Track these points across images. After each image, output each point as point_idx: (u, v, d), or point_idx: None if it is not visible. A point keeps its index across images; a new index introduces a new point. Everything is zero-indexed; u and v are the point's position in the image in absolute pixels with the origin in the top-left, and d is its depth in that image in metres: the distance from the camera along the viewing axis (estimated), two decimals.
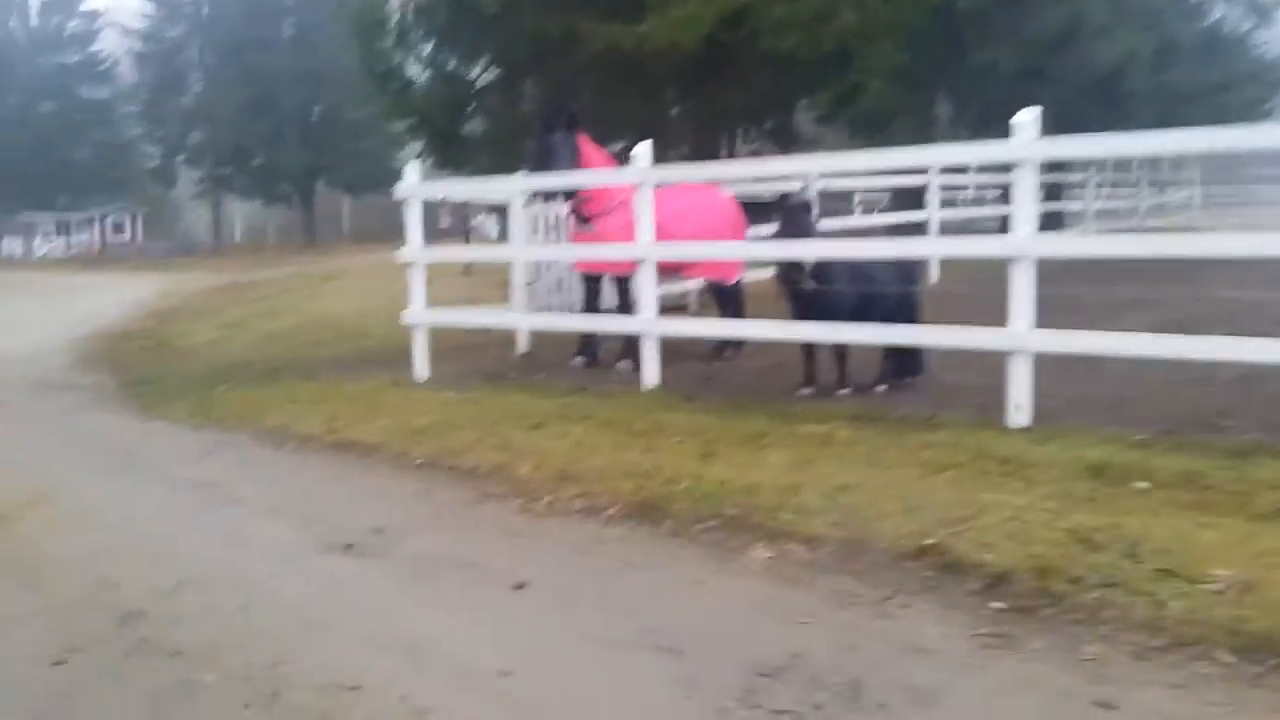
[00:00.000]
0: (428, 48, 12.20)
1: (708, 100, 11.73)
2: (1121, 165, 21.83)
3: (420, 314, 7.86)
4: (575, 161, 7.73)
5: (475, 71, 11.28)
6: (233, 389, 8.30)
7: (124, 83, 47.12)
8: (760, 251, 6.82)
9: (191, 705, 2.93)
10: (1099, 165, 20.35)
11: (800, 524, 4.04)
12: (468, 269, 15.09)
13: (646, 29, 9.44)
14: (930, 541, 3.68)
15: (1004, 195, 20.82)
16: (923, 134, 15.30)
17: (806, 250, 6.11)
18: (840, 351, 6.67)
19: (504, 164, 11.04)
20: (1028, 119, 5.28)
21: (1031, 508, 3.99)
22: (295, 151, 38.94)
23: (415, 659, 3.16)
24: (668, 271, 8.80)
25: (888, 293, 6.64)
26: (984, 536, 3.71)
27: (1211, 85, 19.53)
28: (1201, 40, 20.92)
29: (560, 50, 10.50)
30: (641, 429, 5.71)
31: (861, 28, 10.32)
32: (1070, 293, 9.20)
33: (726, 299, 8.93)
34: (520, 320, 8.70)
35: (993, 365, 6.95)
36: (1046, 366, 6.68)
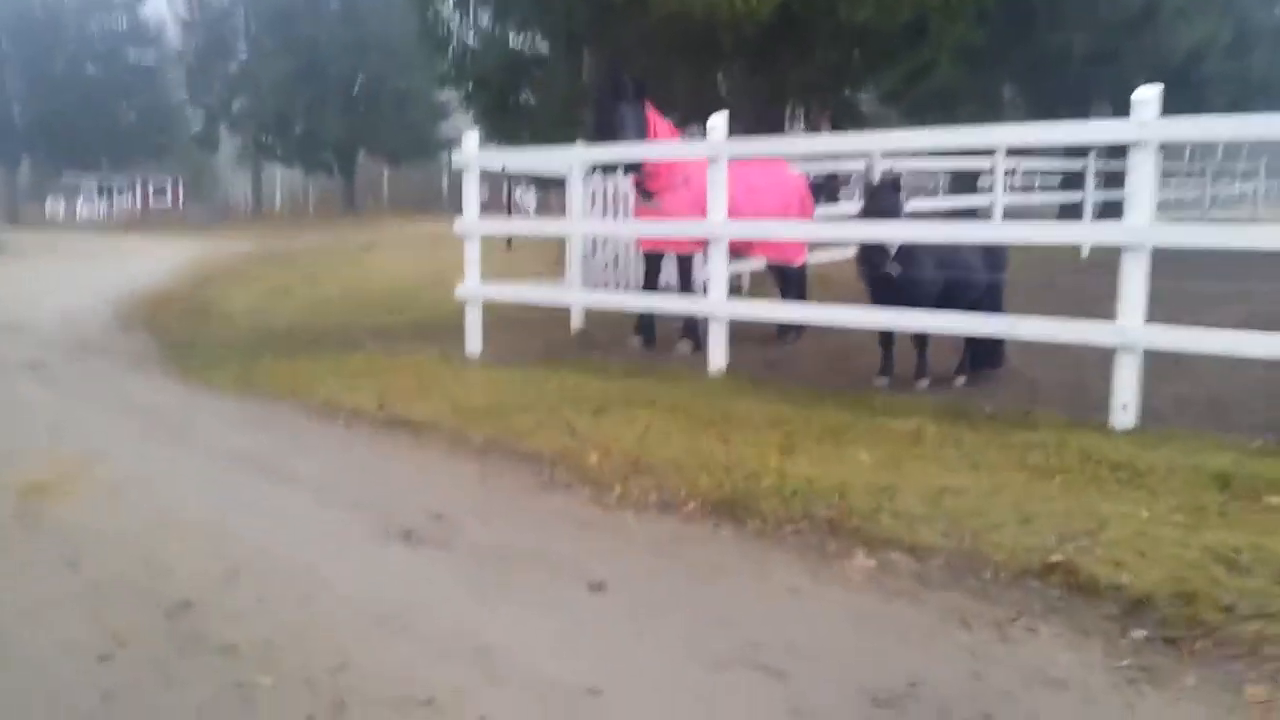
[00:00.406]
0: (486, 13, 11.82)
1: (773, 75, 11.30)
2: (1190, 154, 21.19)
3: (475, 288, 7.55)
4: (642, 133, 7.38)
5: (533, 38, 10.87)
6: (277, 357, 8.05)
7: (170, 48, 47.12)
8: (846, 233, 6.42)
9: (250, 713, 2.64)
10: (1167, 153, 19.74)
11: (903, 530, 3.69)
12: (509, 243, 14.79)
13: None
14: (1056, 558, 3.32)
15: (1065, 181, 20.34)
16: (988, 116, 14.73)
17: (895, 232, 5.72)
18: (921, 341, 6.31)
19: (559, 135, 10.68)
20: (1149, 96, 4.87)
21: (1159, 521, 3.63)
22: (337, 120, 38.76)
23: (489, 668, 2.85)
24: (731, 251, 8.45)
25: (974, 280, 6.26)
26: (1114, 553, 3.35)
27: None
28: (1275, 29, 20.14)
29: (622, 17, 10.10)
30: (712, 417, 5.38)
31: (942, 0, 9.87)
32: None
33: (790, 281, 8.58)
34: (580, 297, 8.34)
35: (1077, 360, 6.64)
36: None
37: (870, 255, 5.89)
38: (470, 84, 12.46)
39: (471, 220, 7.48)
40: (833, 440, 4.89)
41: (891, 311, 5.77)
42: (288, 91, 38.10)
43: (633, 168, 7.58)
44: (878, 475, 4.26)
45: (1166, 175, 21.07)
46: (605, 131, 7.39)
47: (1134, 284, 4.87)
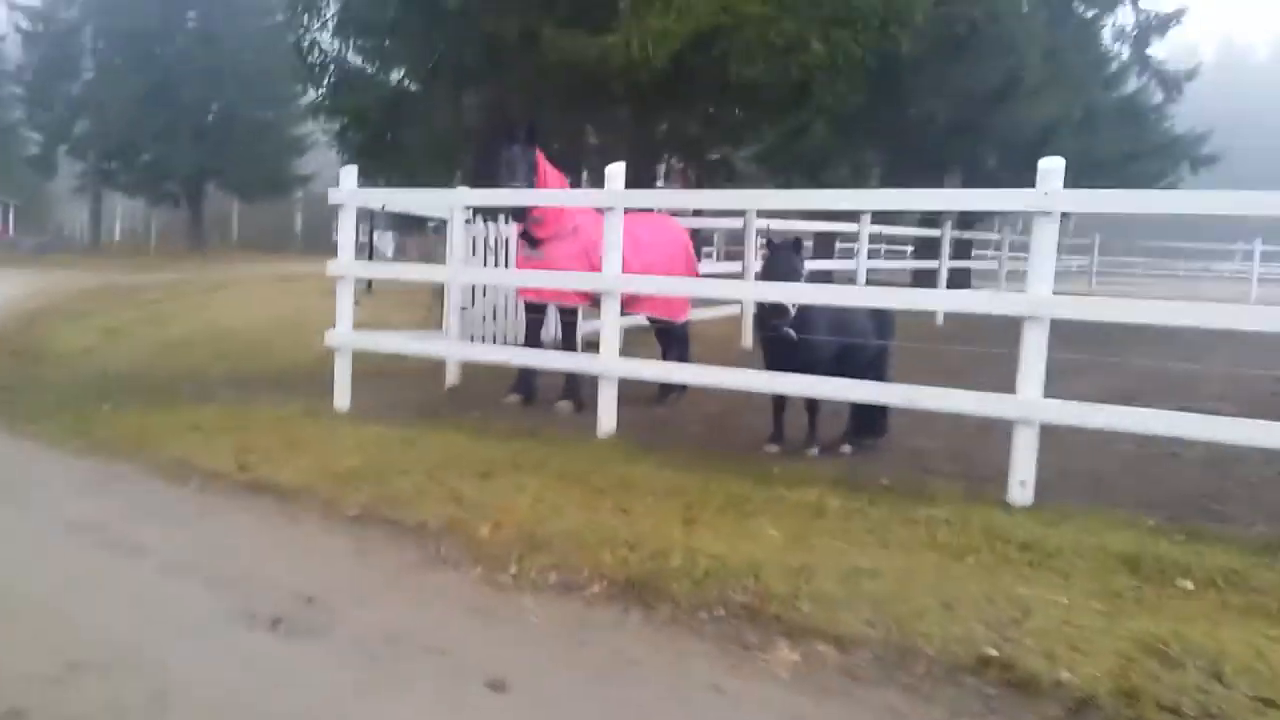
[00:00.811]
0: (368, 44, 11.33)
1: (653, 127, 11.23)
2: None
3: (347, 336, 7.07)
4: (532, 179, 7.10)
5: (417, 74, 10.47)
6: (117, 407, 7.35)
7: (9, 62, 44.16)
8: (746, 292, 6.27)
9: None
10: (1013, 224, 20.69)
11: (825, 618, 3.47)
12: (370, 286, 14.23)
13: (616, 39, 8.87)
14: (990, 652, 3.16)
15: (916, 249, 21.12)
16: (855, 180, 15.15)
17: (798, 294, 5.60)
18: (813, 407, 6.20)
19: (435, 176, 10.34)
20: (1054, 166, 4.91)
21: (1079, 609, 3.53)
22: (187, 150, 36.92)
23: None
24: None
25: (868, 346, 6.21)
26: (1045, 645, 3.21)
27: (1122, 155, 20.02)
28: (1117, 110, 21.48)
29: (512, 59, 9.84)
30: (607, 485, 5.09)
31: (829, 60, 9.99)
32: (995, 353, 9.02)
33: (673, 339, 8.41)
34: (461, 350, 7.92)
35: (955, 428, 6.70)
36: (1005, 435, 6.42)
37: (769, 317, 5.75)
38: (346, 118, 11.93)
39: (346, 262, 7.02)
40: (735, 512, 4.67)
41: (797, 378, 5.62)
42: (135, 116, 36.13)
43: (520, 214, 7.29)
44: (789, 554, 4.05)
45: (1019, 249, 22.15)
46: (495, 175, 7.07)
47: (1034, 355, 4.86)
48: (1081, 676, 3.01)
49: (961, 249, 19.38)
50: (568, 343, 7.71)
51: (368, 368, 8.28)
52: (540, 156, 7.26)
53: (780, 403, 6.21)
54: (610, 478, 5.21)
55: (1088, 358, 7.82)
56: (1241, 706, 2.86)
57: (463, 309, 8.27)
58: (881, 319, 6.40)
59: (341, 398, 7.10)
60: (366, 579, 4.02)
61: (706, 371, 6.05)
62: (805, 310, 5.80)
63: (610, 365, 6.10)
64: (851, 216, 14.00)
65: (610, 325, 6.16)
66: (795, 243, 6.02)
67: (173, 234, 43.80)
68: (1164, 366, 9.17)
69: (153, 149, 37.41)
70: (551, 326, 8.32)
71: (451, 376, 8.32)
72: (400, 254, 32.64)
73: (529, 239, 7.40)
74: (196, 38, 37.37)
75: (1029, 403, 4.85)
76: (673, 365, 6.86)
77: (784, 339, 5.76)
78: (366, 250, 19.62)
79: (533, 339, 7.71)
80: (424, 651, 3.34)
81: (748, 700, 3.05)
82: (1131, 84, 23.97)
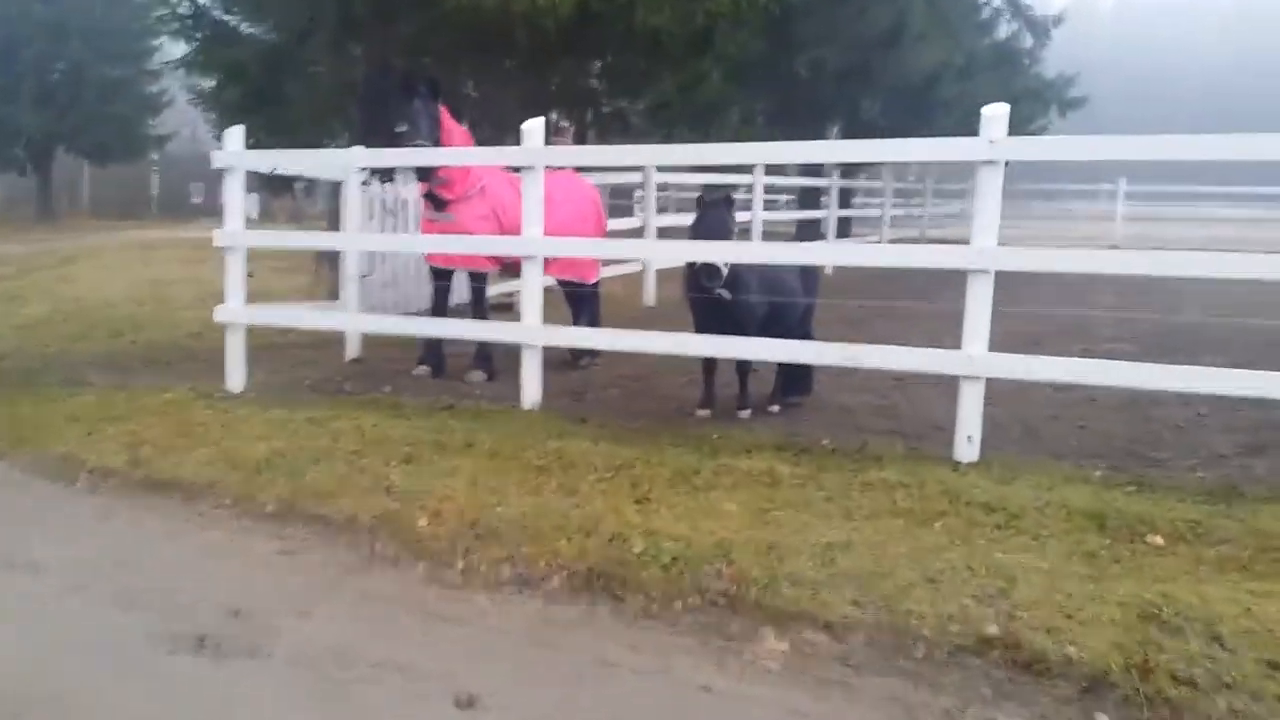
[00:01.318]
0: None
1: (549, 80, 10.77)
2: (915, 176, 22.66)
3: (238, 310, 6.52)
4: (436, 136, 6.63)
5: (299, 23, 9.70)
6: None
7: None
8: (676, 252, 5.99)
9: None
10: (898, 174, 20.93)
11: (809, 602, 3.27)
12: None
13: None
14: (992, 630, 3.00)
15: (802, 198, 21.18)
16: (746, 131, 14.98)
17: (732, 252, 5.35)
18: (743, 369, 5.99)
19: (323, 134, 9.70)
20: (998, 113, 4.77)
21: (1062, 574, 3.42)
22: (31, 112, 34.30)
23: None
24: (509, 267, 7.84)
25: (795, 304, 6.02)
26: (1040, 618, 3.08)
27: (998, 100, 20.36)
28: (993, 55, 21.86)
29: (404, 6, 9.21)
30: (544, 462, 4.78)
31: (734, 7, 9.70)
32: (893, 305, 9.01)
33: (584, 301, 8.08)
34: (364, 322, 7.41)
35: (873, 384, 6.64)
36: (928, 388, 6.38)
37: (701, 278, 5.49)
38: (221, 74, 11.03)
39: (235, 231, 6.44)
40: (686, 486, 4.42)
41: (744, 341, 5.39)
42: None
43: (425, 174, 6.82)
44: (754, 531, 3.84)
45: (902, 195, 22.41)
46: (390, 132, 6.56)
47: (980, 309, 4.73)
48: (1089, 652, 2.89)
49: (844, 198, 19.52)
50: (479, 309, 7.31)
51: (255, 341, 7.70)
52: (444, 112, 6.80)
53: (711, 365, 5.98)
54: (547, 454, 4.90)
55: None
56: (1252, 673, 2.78)
57: (362, 276, 7.75)
58: (808, 276, 6.23)
59: (235, 378, 6.56)
60: (298, 585, 3.65)
61: (641, 337, 5.77)
62: (736, 269, 5.57)
63: (534, 333, 5.75)
64: (742, 169, 13.87)
65: (532, 290, 5.80)
66: (727, 200, 5.76)
67: (17, 202, 40.84)
68: (1053, 311, 9.32)
69: None
70: (458, 292, 7.90)
71: (352, 349, 7.81)
72: (267, 217, 31.07)
73: (435, 200, 6.94)
74: None
75: (977, 358, 4.73)
76: (605, 332, 6.52)
77: (717, 300, 5.51)
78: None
79: (440, 307, 7.28)
80: (378, 668, 3.01)
81: (740, 699, 2.83)
82: (1002, 30, 24.48)
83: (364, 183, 7.85)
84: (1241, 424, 5.66)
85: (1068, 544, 3.71)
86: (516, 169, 6.61)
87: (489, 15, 8.58)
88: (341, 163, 7.55)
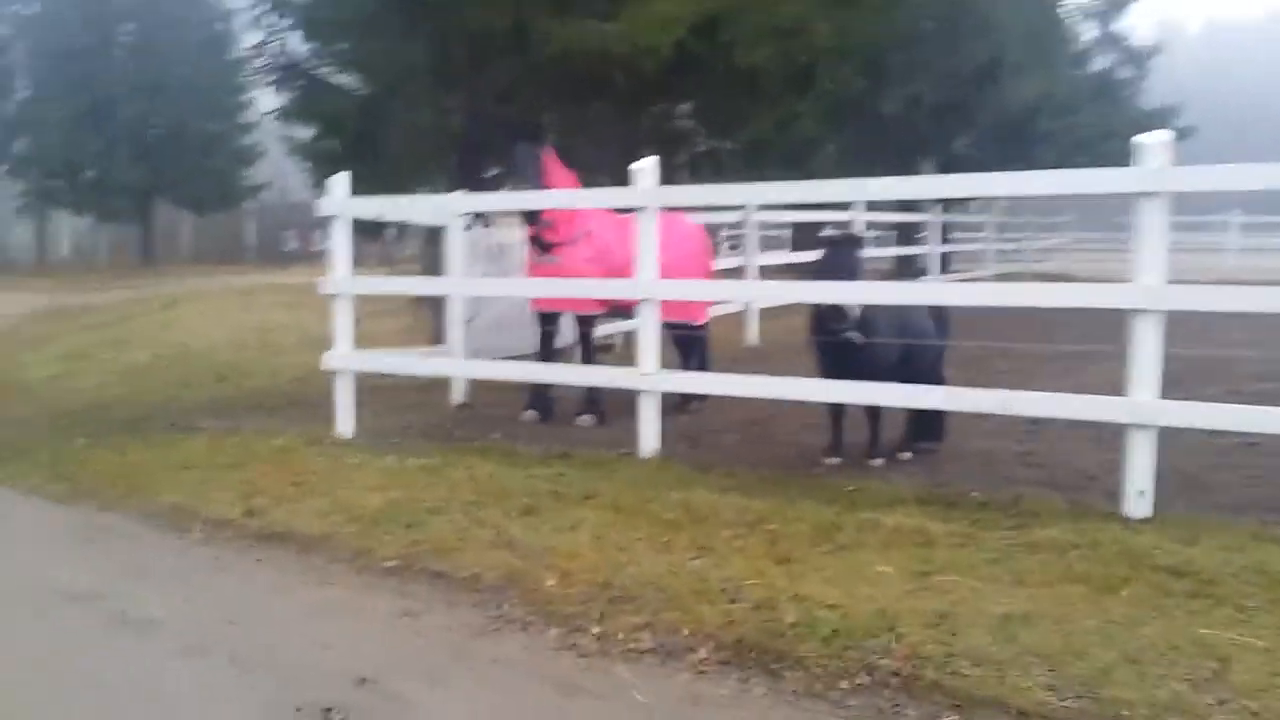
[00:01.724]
0: (345, 44, 10.53)
1: (642, 121, 10.64)
2: (1011, 208, 22.00)
3: (347, 357, 6.40)
4: (540, 181, 6.48)
5: (397, 72, 9.74)
6: (94, 443, 6.62)
7: None
8: (804, 293, 5.69)
9: None
10: (1001, 208, 20.38)
11: (995, 684, 2.90)
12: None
13: (619, 27, 8.24)
14: None
15: (900, 235, 20.67)
16: (842, 169, 14.65)
17: (862, 294, 5.04)
18: (875, 414, 5.65)
19: (421, 182, 9.67)
20: (1158, 141, 4.38)
21: None
22: (132, 165, 35.62)
23: None
24: (617, 309, 7.65)
25: (929, 347, 5.67)
26: (1275, 709, 2.67)
27: (1100, 133, 19.78)
28: (1092, 87, 21.25)
29: (501, 55, 9.18)
30: (671, 516, 4.49)
31: (836, 41, 9.47)
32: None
33: (692, 344, 7.82)
34: (478, 369, 7.22)
35: (1007, 429, 6.15)
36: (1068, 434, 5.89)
37: (830, 320, 5.18)
38: (320, 124, 11.14)
39: (343, 278, 6.35)
40: (829, 545, 4.09)
41: (878, 386, 5.05)
42: (74, 134, 34.76)
43: (531, 218, 6.66)
44: (916, 598, 3.49)
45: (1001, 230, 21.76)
46: (490, 178, 6.44)
47: (1147, 353, 4.33)
48: None
49: (943, 234, 19.03)
50: (587, 353, 7.11)
51: (358, 383, 7.62)
52: (550, 156, 6.65)
53: (839, 411, 5.65)
54: (673, 506, 4.62)
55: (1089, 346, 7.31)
56: None
57: (468, 321, 7.60)
58: (940, 317, 5.88)
59: (344, 424, 6.44)
60: (425, 650, 3.40)
61: (777, 384, 5.44)
62: (867, 310, 5.25)
63: (653, 379, 5.49)
64: (840, 205, 13.54)
65: (649, 334, 5.55)
66: (853, 238, 5.46)
67: (124, 250, 42.35)
68: (1172, 352, 8.73)
69: (95, 166, 36.03)
70: (566, 336, 7.71)
71: (458, 394, 7.66)
72: (357, 262, 31.63)
73: (540, 244, 6.78)
74: (132, 52, 36.07)
75: (1146, 405, 4.32)
76: (734, 378, 6.20)
77: (847, 343, 5.20)
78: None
79: (548, 351, 7.09)
80: None
81: None
82: (1099, 62, 23.82)
83: (466, 227, 7.73)
84: None
85: (1274, 617, 3.28)
86: (622, 210, 6.43)
87: (588, 60, 8.48)
88: (445, 208, 7.43)
